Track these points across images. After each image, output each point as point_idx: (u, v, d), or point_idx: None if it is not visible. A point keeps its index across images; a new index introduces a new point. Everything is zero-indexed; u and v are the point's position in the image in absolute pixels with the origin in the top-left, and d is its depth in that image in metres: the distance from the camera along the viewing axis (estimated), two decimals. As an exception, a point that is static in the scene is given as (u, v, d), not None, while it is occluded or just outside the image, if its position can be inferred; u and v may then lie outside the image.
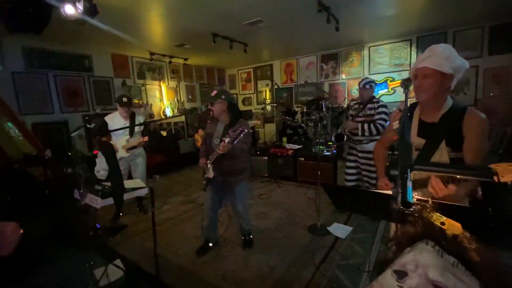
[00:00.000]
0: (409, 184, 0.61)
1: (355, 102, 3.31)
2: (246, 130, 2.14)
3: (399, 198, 0.64)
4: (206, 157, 2.44)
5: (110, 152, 1.76)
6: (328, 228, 2.99)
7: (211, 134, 2.47)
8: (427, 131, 1.35)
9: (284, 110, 5.83)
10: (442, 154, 1.30)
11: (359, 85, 3.09)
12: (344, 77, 5.79)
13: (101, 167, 1.86)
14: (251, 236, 2.79)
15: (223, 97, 2.34)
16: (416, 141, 1.37)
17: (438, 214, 0.64)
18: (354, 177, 3.28)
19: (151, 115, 5.77)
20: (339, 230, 2.95)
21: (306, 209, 3.61)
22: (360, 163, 3.16)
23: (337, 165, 4.44)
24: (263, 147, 5.78)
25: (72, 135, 4.21)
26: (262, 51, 5.83)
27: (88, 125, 3.45)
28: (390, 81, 5.24)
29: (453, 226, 0.60)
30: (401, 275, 0.50)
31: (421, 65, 1.27)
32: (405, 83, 1.02)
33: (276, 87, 6.68)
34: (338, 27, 3.77)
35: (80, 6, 1.36)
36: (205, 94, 7.13)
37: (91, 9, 1.39)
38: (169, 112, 6.06)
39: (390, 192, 1.01)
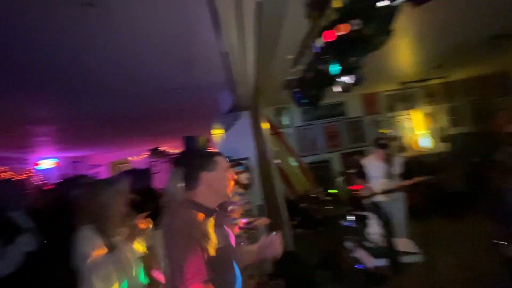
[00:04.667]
0: None
1: None
2: None
3: None
4: None
5: (380, 211, 1.67)
6: None
7: None
8: None
9: None
10: None
11: None
12: None
13: (374, 230, 1.80)
14: None
15: None
16: None
17: None
18: None
19: (402, 148, 5.26)
20: None
21: None
22: None
23: None
24: None
25: (336, 179, 4.86)
26: None
27: (347, 171, 3.80)
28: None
29: None
30: None
31: None
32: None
33: None
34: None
35: (351, 79, 1.48)
36: (479, 112, 5.33)
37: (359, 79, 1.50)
38: (427, 142, 5.21)
39: None
